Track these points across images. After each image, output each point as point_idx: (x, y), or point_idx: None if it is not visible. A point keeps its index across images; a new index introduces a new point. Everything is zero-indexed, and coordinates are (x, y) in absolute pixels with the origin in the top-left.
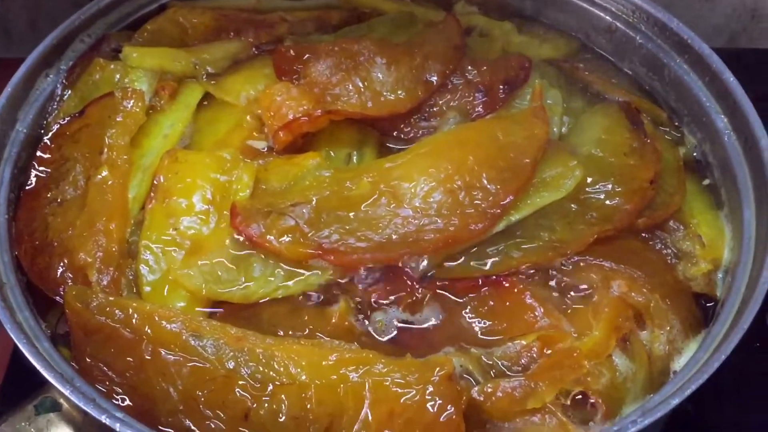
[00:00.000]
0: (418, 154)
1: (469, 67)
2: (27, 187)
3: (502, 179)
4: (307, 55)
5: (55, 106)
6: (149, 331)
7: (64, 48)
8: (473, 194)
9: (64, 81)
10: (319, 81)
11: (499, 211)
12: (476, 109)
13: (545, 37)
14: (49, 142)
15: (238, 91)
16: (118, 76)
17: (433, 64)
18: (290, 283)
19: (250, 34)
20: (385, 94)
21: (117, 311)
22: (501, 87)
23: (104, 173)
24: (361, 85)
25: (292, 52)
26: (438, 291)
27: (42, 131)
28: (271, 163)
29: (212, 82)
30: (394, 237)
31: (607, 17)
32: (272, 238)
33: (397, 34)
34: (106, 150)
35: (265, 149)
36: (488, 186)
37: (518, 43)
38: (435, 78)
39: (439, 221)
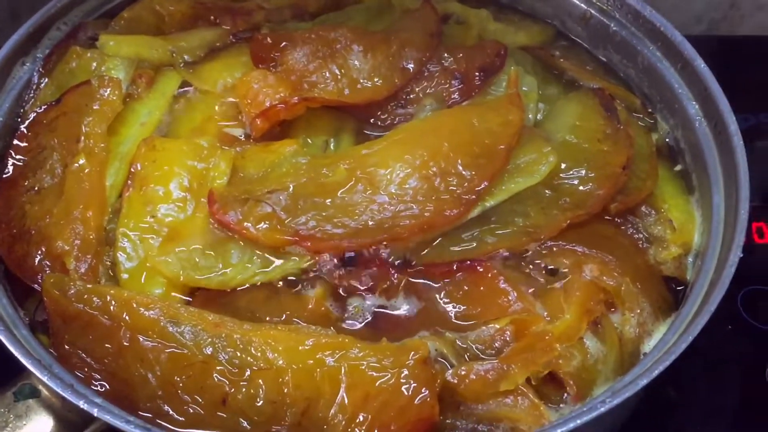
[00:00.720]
0: (394, 140)
1: (446, 55)
2: (4, 176)
3: (477, 165)
4: (284, 43)
5: (31, 95)
6: (127, 317)
7: (40, 36)
8: (448, 180)
9: (40, 69)
10: (296, 68)
11: (474, 197)
12: (452, 96)
13: (521, 25)
14: (25, 131)
15: (215, 79)
16: (94, 64)
17: (410, 52)
18: (267, 269)
19: (227, 21)
20: (362, 81)
21: (95, 298)
22: (477, 74)
23: (81, 161)
24: (338, 72)
25: (269, 39)
26: (413, 276)
27: (18, 119)
28: (248, 150)
29: (189, 70)
30: (370, 223)
31: (582, 5)
32: (249, 225)
33: (374, 21)
34: (83, 138)
35: (243, 136)
36: (463, 172)
37: (494, 30)
38: (411, 65)
39: (414, 207)
